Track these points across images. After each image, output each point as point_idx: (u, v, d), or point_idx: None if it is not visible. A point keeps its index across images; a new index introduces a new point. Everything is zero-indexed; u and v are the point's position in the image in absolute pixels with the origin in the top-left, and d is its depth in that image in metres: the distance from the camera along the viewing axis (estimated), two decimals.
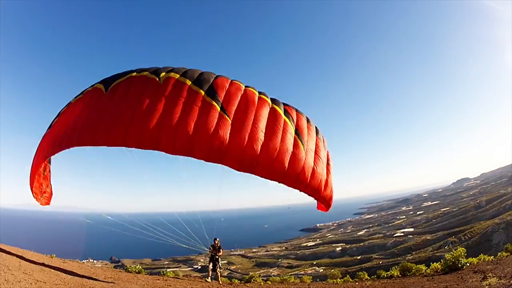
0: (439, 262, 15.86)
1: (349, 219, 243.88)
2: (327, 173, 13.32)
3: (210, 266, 18.87)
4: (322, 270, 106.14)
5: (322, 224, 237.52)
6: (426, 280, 13.20)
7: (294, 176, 11.79)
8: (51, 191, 15.54)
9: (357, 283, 17.08)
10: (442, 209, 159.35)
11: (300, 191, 12.55)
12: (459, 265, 14.01)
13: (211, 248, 18.78)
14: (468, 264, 14.09)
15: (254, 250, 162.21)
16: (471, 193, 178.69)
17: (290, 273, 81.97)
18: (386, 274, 17.80)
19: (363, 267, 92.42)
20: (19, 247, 18.02)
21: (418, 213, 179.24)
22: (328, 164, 13.77)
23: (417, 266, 16.84)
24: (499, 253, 15.17)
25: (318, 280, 22.68)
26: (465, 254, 14.61)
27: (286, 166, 11.47)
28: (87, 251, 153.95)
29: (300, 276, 23.52)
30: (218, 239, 18.91)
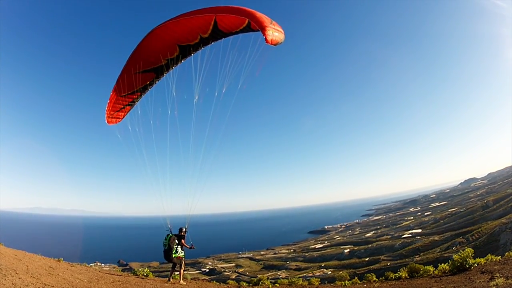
0: (447, 263, 15.71)
1: (357, 220, 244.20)
2: None
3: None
4: (330, 272, 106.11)
5: (330, 226, 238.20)
6: (434, 281, 13.10)
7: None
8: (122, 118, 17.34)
9: (365, 285, 17.00)
10: (449, 210, 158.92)
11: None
12: (467, 266, 13.85)
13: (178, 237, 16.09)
14: (476, 265, 13.94)
15: (262, 252, 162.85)
16: (478, 193, 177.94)
17: (298, 276, 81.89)
18: (394, 276, 17.67)
19: (371, 268, 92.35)
20: (26, 250, 18.16)
21: (425, 214, 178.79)
22: None
23: (425, 267, 16.67)
24: (506, 253, 14.96)
25: (326, 282, 22.53)
26: (473, 255, 14.44)
27: None
28: (94, 255, 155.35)
29: (308, 278, 23.41)
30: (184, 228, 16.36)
